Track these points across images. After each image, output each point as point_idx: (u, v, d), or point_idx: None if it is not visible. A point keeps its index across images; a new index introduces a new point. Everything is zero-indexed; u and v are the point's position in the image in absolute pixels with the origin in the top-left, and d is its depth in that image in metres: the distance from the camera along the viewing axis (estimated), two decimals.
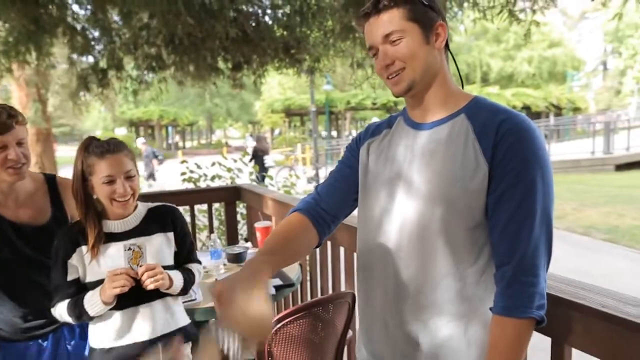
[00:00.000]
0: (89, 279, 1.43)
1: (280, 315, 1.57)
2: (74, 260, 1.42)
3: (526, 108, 25.80)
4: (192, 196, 3.21)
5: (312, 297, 2.40)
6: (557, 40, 33.03)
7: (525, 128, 0.94)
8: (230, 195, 3.25)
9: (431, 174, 0.99)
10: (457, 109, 1.02)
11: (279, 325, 1.55)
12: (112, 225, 1.47)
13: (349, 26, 3.24)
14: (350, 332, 1.82)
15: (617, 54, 38.88)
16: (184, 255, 1.57)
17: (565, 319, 1.01)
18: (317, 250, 2.32)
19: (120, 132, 30.64)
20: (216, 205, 3.64)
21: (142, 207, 1.54)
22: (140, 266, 1.40)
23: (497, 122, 0.94)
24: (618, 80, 40.04)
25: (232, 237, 3.20)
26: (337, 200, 1.17)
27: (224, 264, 2.29)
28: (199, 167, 4.23)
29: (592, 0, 2.40)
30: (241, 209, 3.63)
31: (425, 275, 1.00)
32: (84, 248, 1.42)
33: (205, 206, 3.29)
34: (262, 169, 6.45)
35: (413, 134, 1.06)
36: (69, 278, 1.42)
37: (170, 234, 1.53)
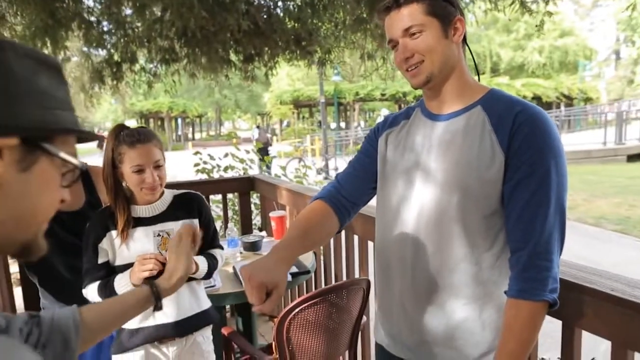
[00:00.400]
0: (118, 262, 1.49)
1: (297, 301, 1.62)
2: (104, 244, 1.49)
3: (537, 98, 25.53)
4: (208, 186, 3.27)
5: (326, 284, 2.46)
6: (568, 29, 32.55)
7: (541, 119, 0.97)
8: (244, 185, 3.31)
9: (448, 163, 1.03)
10: (474, 100, 1.05)
11: (296, 311, 1.61)
12: (140, 211, 1.53)
13: (360, 18, 3.26)
14: (364, 318, 1.88)
15: (630, 43, 38.19)
16: (208, 241, 1.63)
17: (576, 302, 1.05)
18: (332, 238, 2.37)
19: (130, 124, 30.78)
20: (229, 195, 3.70)
21: (169, 194, 1.59)
22: None
23: (513, 113, 0.98)
24: (631, 70, 39.38)
25: (246, 227, 3.27)
26: (356, 188, 1.22)
27: (240, 252, 2.36)
28: (212, 158, 4.29)
29: None
30: (254, 199, 3.69)
31: (442, 260, 1.05)
32: (113, 232, 1.48)
33: (219, 196, 3.35)
34: (265, 154, 6.63)
35: (430, 124, 1.10)
36: (100, 261, 1.49)
37: (196, 221, 1.59)
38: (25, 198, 0.52)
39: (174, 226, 1.54)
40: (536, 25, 2.70)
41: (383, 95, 23.02)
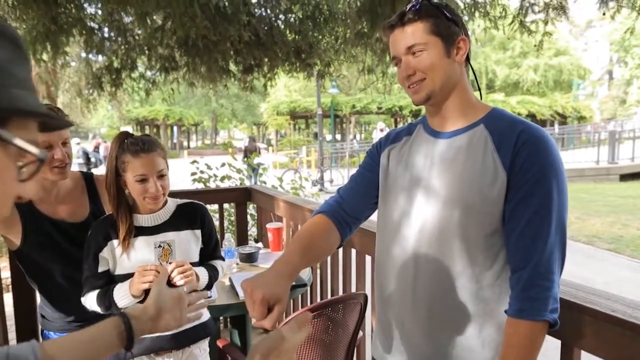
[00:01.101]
0: (119, 271, 1.48)
1: (294, 315, 1.61)
2: (104, 253, 1.47)
3: (531, 116, 25.76)
4: (205, 196, 3.25)
5: (322, 298, 2.44)
6: (563, 48, 33.05)
7: (543, 139, 0.99)
8: (241, 196, 3.30)
9: (450, 180, 1.04)
10: (476, 119, 1.07)
11: None
12: (143, 220, 1.51)
13: (361, 32, 3.30)
14: (360, 333, 1.87)
15: (623, 64, 38.85)
16: (209, 252, 1.62)
17: (576, 322, 1.05)
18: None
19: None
20: (225, 205, 3.69)
21: (172, 203, 1.57)
22: (170, 263, 1.44)
23: (516, 133, 0.99)
24: (623, 90, 39.97)
25: (241, 238, 3.25)
26: (358, 203, 1.22)
27: (237, 263, 2.34)
28: (209, 167, 4.28)
29: (603, 13, 2.44)
30: (250, 210, 3.68)
31: (443, 277, 1.05)
32: (115, 242, 1.47)
33: (215, 206, 3.34)
34: (249, 162, 6.86)
35: (433, 141, 1.11)
36: (100, 270, 1.47)
37: (198, 232, 1.58)
38: None
39: (175, 236, 1.52)
40: (535, 45, 2.75)
41: (379, 108, 23.17)
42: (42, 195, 1.55)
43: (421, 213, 1.08)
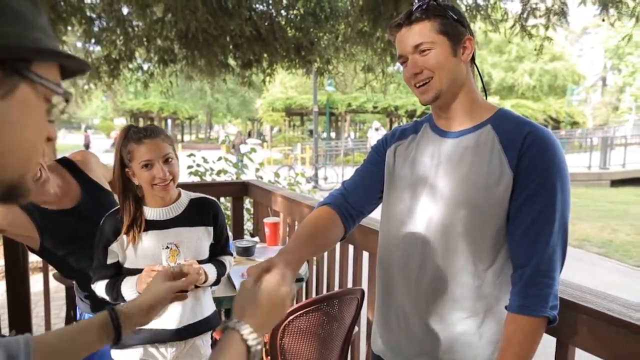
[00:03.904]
0: (127, 265, 1.48)
1: (292, 308, 1.62)
2: (114, 247, 1.47)
3: None
4: (202, 189, 3.21)
5: (317, 293, 2.46)
6: (559, 54, 33.27)
7: (549, 141, 1.01)
8: (238, 190, 3.30)
9: (457, 180, 1.06)
10: (483, 119, 1.08)
11: (290, 318, 1.61)
12: (154, 213, 1.49)
13: (362, 31, 3.31)
14: (356, 328, 1.88)
15: (617, 71, 39.23)
16: (219, 249, 1.61)
17: (572, 320, 1.08)
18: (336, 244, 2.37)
19: (120, 123, 30.57)
20: (222, 199, 3.69)
21: (185, 197, 1.56)
22: (178, 264, 1.42)
23: (523, 134, 1.01)
24: (616, 97, 40.38)
25: (237, 232, 3.25)
26: (363, 196, 1.23)
27: (234, 257, 2.35)
28: (205, 161, 4.28)
29: (602, 20, 2.47)
30: (246, 204, 3.68)
31: (446, 273, 1.07)
32: (125, 237, 1.46)
33: None
34: (238, 153, 7.11)
35: (439, 140, 1.12)
36: (109, 261, 1.47)
37: (210, 228, 1.56)
38: (8, 130, 0.46)
39: (187, 233, 1.50)
40: (535, 49, 2.78)
41: (375, 107, 23.21)
42: (45, 198, 1.58)
43: (426, 211, 1.10)
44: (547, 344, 1.15)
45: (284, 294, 0.78)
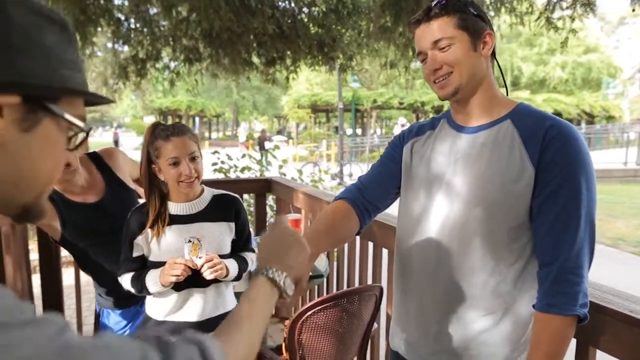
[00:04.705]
0: (151, 258, 1.52)
1: (310, 304, 1.63)
2: (139, 240, 1.52)
3: (557, 114, 24.98)
4: (225, 186, 3.27)
5: (338, 290, 2.47)
6: (593, 45, 32.14)
7: (571, 135, 0.98)
8: (261, 187, 3.33)
9: (473, 176, 1.04)
10: (502, 114, 1.06)
11: (308, 314, 1.62)
12: (178, 208, 1.54)
13: (384, 26, 3.28)
14: (375, 325, 1.88)
15: None
16: (241, 244, 1.64)
17: (592, 321, 1.04)
18: (346, 244, 2.38)
19: (149, 121, 31.27)
20: (245, 196, 3.74)
21: (208, 193, 1.59)
22: (200, 257, 1.46)
23: (544, 128, 0.99)
24: None
25: (260, 228, 3.29)
26: (378, 191, 1.23)
27: (254, 252, 2.38)
28: (230, 158, 4.34)
29: (633, 10, 2.37)
30: (269, 201, 3.72)
31: (463, 271, 1.05)
32: (149, 230, 1.51)
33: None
34: (262, 149, 7.31)
35: (457, 136, 1.11)
36: (134, 255, 1.52)
37: (232, 224, 1.59)
38: (27, 159, 0.49)
39: (209, 228, 1.53)
40: (561, 43, 2.69)
41: (401, 103, 22.97)
42: (72, 188, 1.64)
43: (443, 208, 1.09)
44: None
45: (292, 232, 0.83)
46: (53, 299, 2.64)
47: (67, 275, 2.93)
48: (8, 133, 0.47)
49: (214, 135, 38.44)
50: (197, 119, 33.11)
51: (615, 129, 24.04)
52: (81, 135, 0.54)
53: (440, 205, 1.09)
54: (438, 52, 1.04)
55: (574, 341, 1.11)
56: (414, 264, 1.15)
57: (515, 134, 1.02)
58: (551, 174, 0.97)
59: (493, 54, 1.10)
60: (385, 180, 1.24)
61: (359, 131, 26.68)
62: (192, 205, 1.55)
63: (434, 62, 1.04)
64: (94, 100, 0.55)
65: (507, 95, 1.15)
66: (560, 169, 0.96)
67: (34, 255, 2.81)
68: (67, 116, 0.51)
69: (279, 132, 36.71)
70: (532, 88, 29.98)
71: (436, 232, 1.09)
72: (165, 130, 1.45)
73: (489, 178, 1.02)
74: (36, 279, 2.74)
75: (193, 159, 1.47)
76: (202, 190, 1.58)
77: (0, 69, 0.44)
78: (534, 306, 1.00)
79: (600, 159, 14.74)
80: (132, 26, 4.07)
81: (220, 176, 4.24)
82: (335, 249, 2.52)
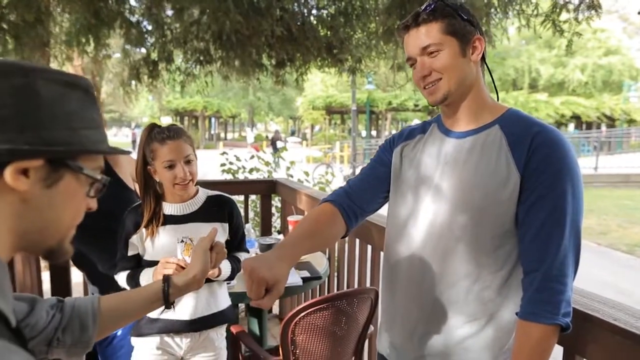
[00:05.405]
0: (146, 257, 1.56)
1: (304, 304, 1.64)
2: (134, 240, 1.55)
3: (576, 117, 24.75)
4: (232, 187, 3.35)
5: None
6: (614, 47, 31.45)
7: (559, 141, 0.97)
8: (267, 188, 3.36)
9: (459, 182, 1.04)
10: (491, 119, 1.06)
11: (302, 314, 1.63)
12: (172, 209, 1.57)
13: (391, 29, 3.28)
14: (371, 327, 1.88)
15: None
16: (235, 245, 1.66)
17: (579, 329, 1.04)
18: (346, 246, 2.39)
19: (166, 121, 31.66)
20: (252, 197, 3.77)
21: (202, 193, 1.62)
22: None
23: (531, 134, 0.98)
24: None
25: (266, 229, 3.32)
26: (366, 195, 1.23)
27: (256, 253, 2.40)
28: (238, 159, 4.38)
29: (638, 13, 2.32)
30: (276, 202, 3.74)
31: (445, 276, 1.05)
32: (144, 230, 1.54)
33: (241, 197, 3.42)
34: (275, 150, 7.41)
35: (446, 141, 1.11)
36: (130, 253, 1.56)
37: (226, 225, 1.62)
38: (50, 211, 0.56)
39: (202, 228, 1.55)
40: (566, 46, 2.65)
41: (416, 105, 22.84)
42: None
43: (428, 213, 1.09)
44: (553, 355, 1.11)
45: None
46: (62, 295, 2.70)
47: (77, 273, 2.99)
48: (34, 190, 0.53)
49: (229, 135, 38.73)
50: (213, 119, 33.41)
51: (637, 132, 23.49)
52: (100, 184, 0.61)
53: (427, 210, 1.09)
54: (427, 57, 1.04)
55: (561, 350, 1.10)
56: (400, 268, 1.15)
57: (503, 140, 1.02)
58: (537, 180, 0.96)
59: (483, 59, 1.10)
60: (374, 184, 1.24)
61: (373, 133, 26.61)
62: (187, 206, 1.58)
63: (422, 68, 1.04)
64: (111, 152, 0.62)
65: (498, 100, 1.15)
66: (547, 176, 0.95)
67: None
68: (87, 171, 0.58)
69: (292, 134, 36.82)
70: (550, 91, 29.44)
71: (422, 237, 1.09)
72: (161, 133, 1.48)
73: (475, 184, 1.02)
74: (46, 276, 2.81)
75: (188, 162, 1.50)
76: (197, 191, 1.61)
77: (29, 140, 0.51)
78: (517, 313, 0.99)
79: (620, 163, 14.45)
80: (144, 29, 4.14)
81: (229, 177, 4.29)
82: (336, 253, 2.53)
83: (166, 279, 0.97)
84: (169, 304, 0.95)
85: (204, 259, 1.03)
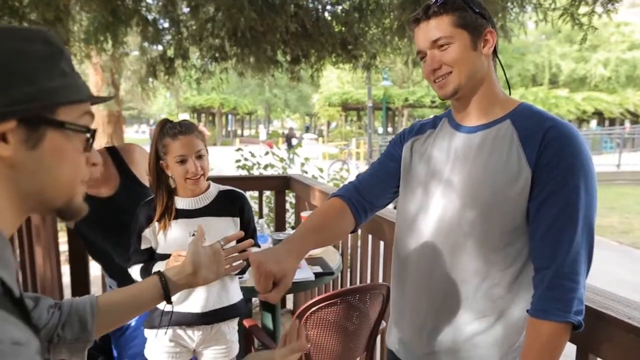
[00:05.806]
0: (159, 251, 1.59)
1: (316, 299, 1.64)
2: (146, 233, 1.58)
3: (598, 114, 24.22)
4: (246, 182, 3.38)
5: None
6: (639, 41, 30.60)
7: (572, 136, 0.95)
8: (281, 184, 3.38)
9: (469, 177, 1.03)
10: (503, 114, 1.04)
11: (313, 309, 1.64)
12: (184, 203, 1.60)
13: (406, 24, 3.25)
14: (383, 323, 1.88)
15: None
16: (246, 239, 1.67)
17: (592, 328, 1.02)
18: (359, 242, 2.39)
19: (184, 118, 31.97)
20: (267, 193, 3.80)
21: (214, 188, 1.65)
22: None
23: (543, 128, 0.96)
24: None
25: (280, 224, 3.34)
26: (376, 190, 1.22)
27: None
28: (253, 155, 4.41)
29: None
30: (290, 198, 3.76)
31: (454, 273, 1.04)
32: (157, 224, 1.57)
33: (256, 192, 3.45)
34: (289, 146, 7.50)
35: (457, 135, 1.09)
36: (143, 247, 1.59)
37: (237, 220, 1.64)
38: (44, 172, 0.53)
39: (214, 222, 1.57)
40: (580, 41, 2.59)
41: (433, 102, 22.66)
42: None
43: (438, 208, 1.08)
44: (567, 352, 1.10)
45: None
46: (81, 287, 2.77)
47: (96, 266, 3.05)
48: (18, 154, 0.51)
49: (246, 132, 38.97)
50: (230, 116, 33.63)
51: None
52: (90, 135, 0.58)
53: (436, 205, 1.09)
54: (437, 51, 1.02)
55: (573, 348, 1.09)
56: (410, 262, 1.14)
57: (514, 135, 1.00)
58: (549, 176, 0.94)
59: (495, 52, 1.08)
60: (384, 179, 1.23)
61: (390, 130, 26.47)
62: (198, 200, 1.60)
63: (432, 61, 1.03)
64: (94, 101, 0.59)
65: (510, 94, 1.13)
66: (559, 171, 0.93)
67: (65, 247, 2.96)
68: (69, 125, 0.55)
69: (307, 130, 36.83)
70: (572, 86, 28.82)
71: (431, 232, 1.09)
72: (173, 128, 1.50)
73: (484, 179, 1.01)
74: (66, 269, 2.88)
75: (199, 156, 1.52)
76: (209, 186, 1.63)
77: None
78: (528, 311, 0.98)
79: None
80: (160, 27, 4.19)
81: (244, 173, 4.32)
82: (349, 249, 2.53)
83: (161, 274, 0.95)
84: (168, 298, 0.94)
85: (194, 258, 1.01)
